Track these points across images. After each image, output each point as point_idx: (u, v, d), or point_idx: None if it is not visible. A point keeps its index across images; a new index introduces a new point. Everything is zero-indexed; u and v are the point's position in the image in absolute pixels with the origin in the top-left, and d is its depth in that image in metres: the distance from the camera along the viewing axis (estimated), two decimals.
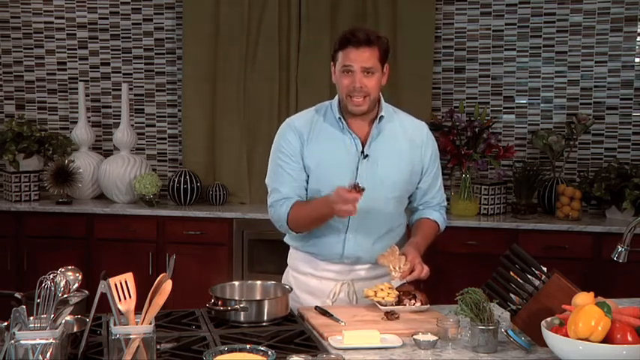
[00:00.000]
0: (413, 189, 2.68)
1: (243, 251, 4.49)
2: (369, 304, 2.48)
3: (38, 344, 1.73)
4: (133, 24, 5.02)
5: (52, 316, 1.82)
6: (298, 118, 2.66)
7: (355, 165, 2.55)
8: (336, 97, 2.61)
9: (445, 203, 2.79)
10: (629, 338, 1.80)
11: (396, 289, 2.48)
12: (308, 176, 2.58)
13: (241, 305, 2.25)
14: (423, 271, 2.48)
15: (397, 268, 2.44)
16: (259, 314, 2.26)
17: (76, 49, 5.07)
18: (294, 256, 2.74)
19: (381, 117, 2.57)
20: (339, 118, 2.56)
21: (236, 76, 4.81)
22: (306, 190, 2.59)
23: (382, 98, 2.60)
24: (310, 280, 2.66)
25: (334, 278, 2.64)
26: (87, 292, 2.17)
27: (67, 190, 4.71)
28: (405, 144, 2.61)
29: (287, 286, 2.46)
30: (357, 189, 2.32)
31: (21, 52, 5.09)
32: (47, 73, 5.10)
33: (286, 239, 2.77)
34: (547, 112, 4.75)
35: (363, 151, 2.56)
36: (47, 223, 4.59)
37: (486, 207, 4.54)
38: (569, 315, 1.88)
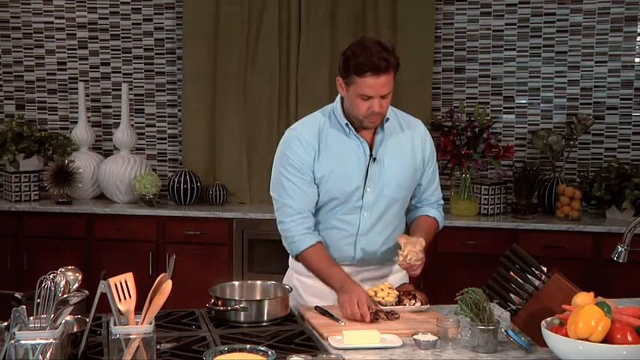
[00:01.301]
0: (415, 187, 2.68)
1: (243, 251, 4.49)
2: None
3: (38, 344, 1.73)
4: (133, 24, 5.02)
5: (52, 316, 1.82)
6: (306, 129, 2.57)
7: (365, 169, 2.54)
8: (337, 99, 2.57)
9: (442, 202, 2.79)
10: (629, 338, 1.80)
11: (396, 289, 2.49)
12: (317, 186, 2.54)
13: (241, 305, 2.25)
14: (417, 270, 2.49)
15: (407, 258, 2.43)
16: (259, 314, 2.26)
17: (76, 49, 5.07)
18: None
19: (387, 119, 2.57)
20: (346, 124, 2.54)
21: (236, 76, 4.81)
22: (317, 197, 2.56)
23: None
24: (317, 282, 2.60)
25: None
26: (87, 292, 2.16)
27: (67, 190, 4.71)
28: (407, 143, 2.61)
29: (287, 286, 2.46)
30: (376, 316, 2.31)
31: (21, 52, 5.08)
32: (47, 73, 5.10)
33: None
34: (547, 112, 4.75)
35: (371, 154, 2.55)
36: (47, 223, 4.59)
37: (486, 207, 4.54)
38: (569, 315, 1.88)
